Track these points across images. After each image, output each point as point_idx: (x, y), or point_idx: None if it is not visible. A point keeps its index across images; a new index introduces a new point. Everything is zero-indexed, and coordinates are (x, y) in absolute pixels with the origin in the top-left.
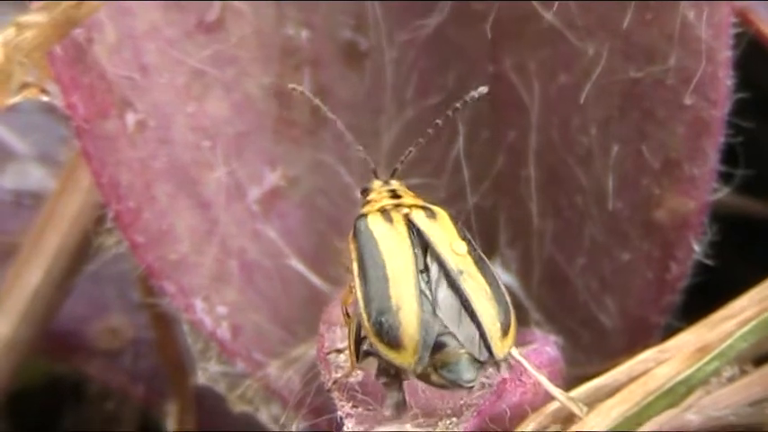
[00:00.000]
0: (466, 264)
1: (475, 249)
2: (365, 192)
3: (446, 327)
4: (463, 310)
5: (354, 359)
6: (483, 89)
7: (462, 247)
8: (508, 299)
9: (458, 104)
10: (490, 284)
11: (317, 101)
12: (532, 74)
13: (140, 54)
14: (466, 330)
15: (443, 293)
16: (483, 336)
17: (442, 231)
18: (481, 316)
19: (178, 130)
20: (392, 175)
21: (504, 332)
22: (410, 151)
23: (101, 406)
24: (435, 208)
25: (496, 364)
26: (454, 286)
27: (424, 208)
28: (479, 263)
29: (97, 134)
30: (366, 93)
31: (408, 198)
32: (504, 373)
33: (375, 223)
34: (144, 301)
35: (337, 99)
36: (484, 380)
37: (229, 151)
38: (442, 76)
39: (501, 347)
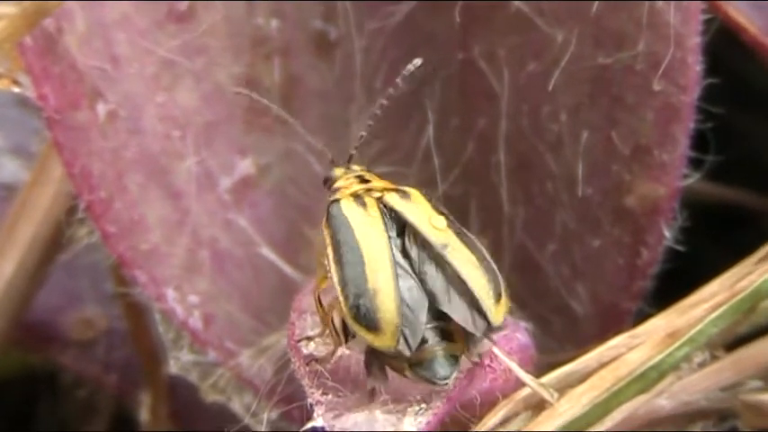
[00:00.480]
0: (448, 237)
1: (453, 222)
2: (328, 181)
3: (428, 318)
4: (452, 286)
5: (341, 340)
6: (417, 61)
7: (441, 221)
8: (494, 265)
9: (398, 80)
10: (475, 254)
11: (275, 107)
12: (502, 61)
13: (111, 44)
14: (457, 305)
15: (429, 272)
16: (477, 305)
17: (419, 210)
18: (473, 286)
19: (149, 120)
20: (349, 161)
21: (497, 298)
22: (362, 136)
23: (75, 395)
24: (407, 189)
25: (492, 331)
26: (441, 261)
27: (396, 190)
28: (460, 234)
29: (68, 125)
30: (336, 82)
31: (377, 182)
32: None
33: (348, 208)
34: (117, 291)
35: (308, 88)
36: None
37: (200, 141)
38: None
39: (496, 313)
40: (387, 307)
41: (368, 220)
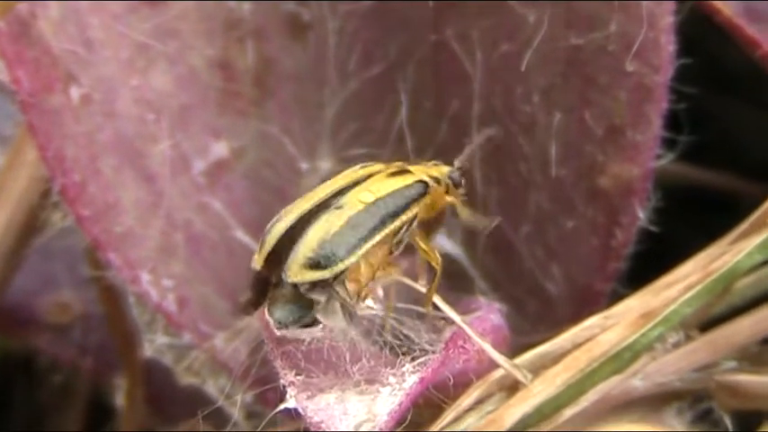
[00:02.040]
0: (353, 208)
1: (393, 217)
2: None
3: None
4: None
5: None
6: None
7: (371, 197)
8: (351, 252)
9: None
10: (346, 229)
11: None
12: (475, 42)
13: (85, 28)
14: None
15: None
16: (294, 255)
17: (378, 183)
18: (303, 239)
19: (123, 103)
20: (430, 159)
21: (309, 265)
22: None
23: (51, 380)
24: (411, 175)
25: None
26: (320, 213)
27: (402, 170)
28: (360, 216)
29: (42, 108)
30: (310, 64)
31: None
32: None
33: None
34: (92, 274)
35: (282, 71)
36: (427, 347)
37: (174, 124)
38: (384, 46)
39: (294, 272)
40: (274, 231)
41: (338, 179)
